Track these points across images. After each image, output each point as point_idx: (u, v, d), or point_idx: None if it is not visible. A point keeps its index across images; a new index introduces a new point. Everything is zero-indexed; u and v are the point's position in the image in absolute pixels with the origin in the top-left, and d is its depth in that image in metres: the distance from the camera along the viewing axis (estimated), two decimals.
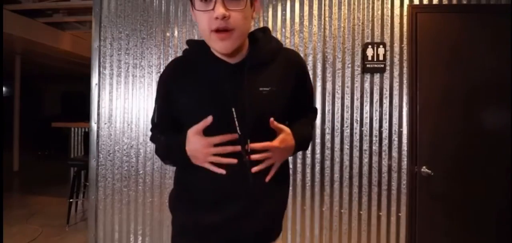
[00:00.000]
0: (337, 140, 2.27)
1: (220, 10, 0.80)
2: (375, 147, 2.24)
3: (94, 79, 2.42)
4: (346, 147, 2.26)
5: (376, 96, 2.26)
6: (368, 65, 2.23)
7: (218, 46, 0.86)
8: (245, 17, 0.85)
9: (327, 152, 2.27)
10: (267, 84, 0.91)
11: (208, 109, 0.87)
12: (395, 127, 2.24)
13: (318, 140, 2.28)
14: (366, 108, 2.26)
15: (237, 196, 0.92)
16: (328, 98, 2.27)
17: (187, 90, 0.94)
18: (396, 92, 2.24)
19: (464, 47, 2.21)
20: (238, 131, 0.87)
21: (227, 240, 0.94)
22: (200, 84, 0.93)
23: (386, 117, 2.25)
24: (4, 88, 10.95)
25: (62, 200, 4.79)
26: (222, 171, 0.87)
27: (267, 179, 0.92)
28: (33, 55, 7.33)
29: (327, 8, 2.30)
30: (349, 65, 2.27)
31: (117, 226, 2.42)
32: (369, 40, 2.26)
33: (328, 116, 2.27)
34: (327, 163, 2.27)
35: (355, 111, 2.26)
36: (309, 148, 2.27)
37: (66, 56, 7.24)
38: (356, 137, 2.26)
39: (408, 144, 2.22)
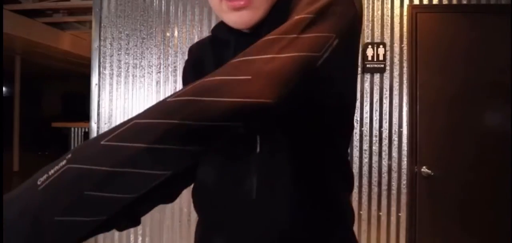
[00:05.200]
0: None
1: None
2: (375, 147, 2.24)
3: (94, 79, 2.42)
4: None
5: (376, 96, 2.25)
6: (368, 65, 2.23)
7: (232, 20, 0.61)
8: None
9: None
10: None
11: None
12: (395, 127, 2.24)
13: None
14: (366, 108, 2.26)
15: None
16: None
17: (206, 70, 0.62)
18: (396, 92, 2.24)
19: (464, 47, 2.21)
20: None
21: None
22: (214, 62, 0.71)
23: (386, 117, 2.25)
24: (4, 88, 10.95)
25: None
26: None
27: None
28: (33, 55, 7.33)
29: None
30: None
31: None
32: (369, 40, 2.26)
33: None
34: None
35: (355, 111, 2.26)
36: None
37: (66, 56, 7.24)
38: (356, 137, 2.26)
39: (408, 144, 2.22)
